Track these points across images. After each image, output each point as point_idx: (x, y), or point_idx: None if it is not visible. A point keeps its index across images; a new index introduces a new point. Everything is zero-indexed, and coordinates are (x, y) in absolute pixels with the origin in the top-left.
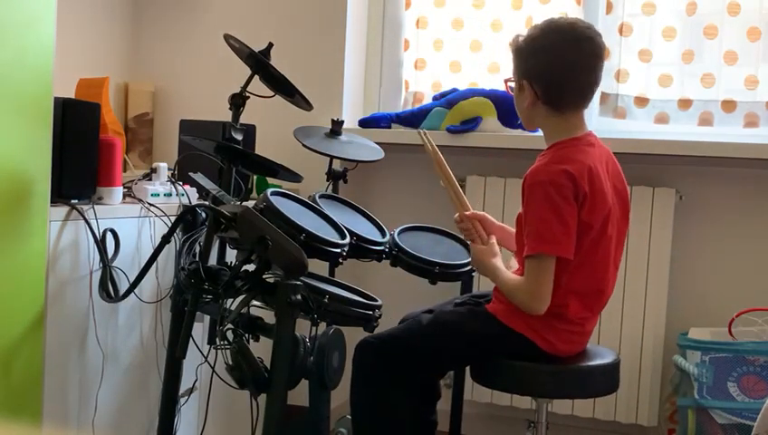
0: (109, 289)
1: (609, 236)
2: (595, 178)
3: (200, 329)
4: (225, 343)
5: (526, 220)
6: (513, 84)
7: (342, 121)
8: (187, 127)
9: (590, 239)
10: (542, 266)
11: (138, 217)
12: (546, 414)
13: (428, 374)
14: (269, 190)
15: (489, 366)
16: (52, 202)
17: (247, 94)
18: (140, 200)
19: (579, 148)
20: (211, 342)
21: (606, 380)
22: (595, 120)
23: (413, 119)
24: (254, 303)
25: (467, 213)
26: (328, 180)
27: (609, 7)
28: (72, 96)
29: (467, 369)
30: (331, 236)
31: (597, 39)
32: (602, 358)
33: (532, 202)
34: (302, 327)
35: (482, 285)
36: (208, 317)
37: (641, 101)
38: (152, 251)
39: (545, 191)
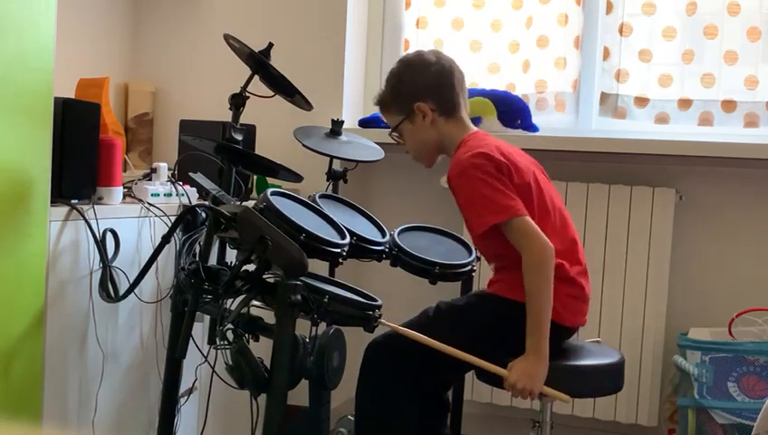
0: (109, 289)
1: (546, 187)
2: (504, 151)
3: (200, 329)
4: (225, 343)
5: (465, 207)
6: (396, 134)
7: (342, 121)
8: (187, 127)
9: (535, 197)
10: (515, 226)
11: (138, 217)
12: (551, 413)
13: (440, 374)
14: (269, 190)
15: (500, 353)
16: (52, 202)
17: (247, 94)
18: (140, 200)
19: (479, 136)
20: (211, 342)
21: (611, 379)
22: (595, 120)
23: None
24: (254, 303)
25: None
26: (328, 180)
27: (610, 7)
28: (72, 96)
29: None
30: (331, 236)
31: (443, 54)
32: (608, 357)
33: (463, 190)
34: (302, 327)
35: (482, 286)
36: (208, 317)
37: (641, 101)
38: (152, 251)
39: (469, 174)
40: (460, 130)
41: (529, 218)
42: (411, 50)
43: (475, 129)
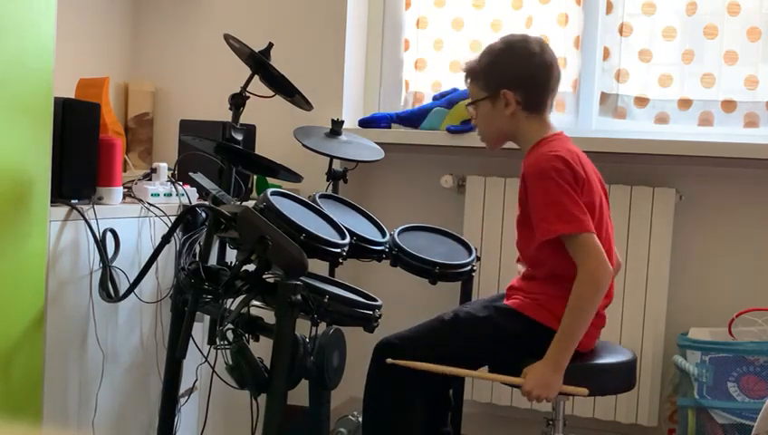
0: (109, 289)
1: (606, 215)
2: (584, 162)
3: (200, 329)
4: (225, 343)
5: (536, 209)
6: (474, 107)
7: (342, 121)
8: (187, 127)
9: (595, 219)
10: (582, 242)
11: (138, 217)
12: (563, 412)
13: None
14: (269, 190)
15: (507, 366)
16: (52, 202)
17: (247, 94)
18: (140, 200)
19: (562, 139)
20: (211, 342)
21: (625, 377)
22: (595, 120)
23: (413, 119)
24: (254, 303)
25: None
26: (328, 180)
27: (610, 7)
28: (72, 96)
29: None
30: (331, 236)
31: (549, 47)
32: (621, 355)
33: (539, 191)
34: (302, 327)
35: (482, 286)
36: (208, 317)
37: (641, 101)
38: (152, 251)
39: (549, 177)
40: (540, 128)
41: (596, 237)
42: (411, 50)
43: (557, 130)
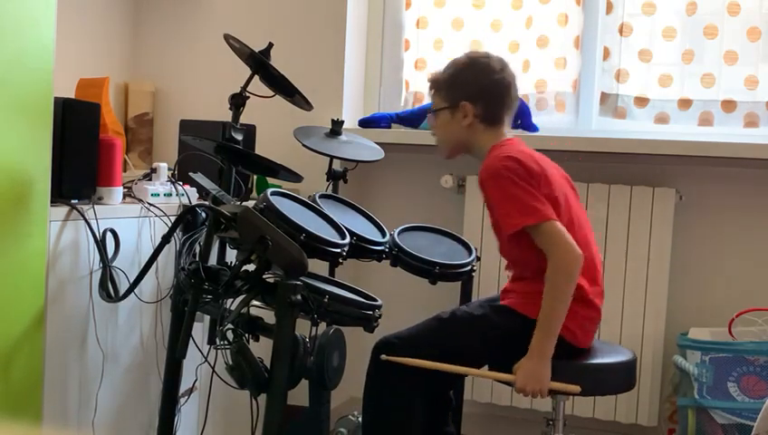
0: (109, 289)
1: (575, 205)
2: (540, 159)
3: (200, 329)
4: (225, 343)
5: (496, 207)
6: (434, 116)
7: (342, 121)
8: (187, 127)
9: (561, 212)
10: (546, 230)
11: (138, 217)
12: (563, 412)
13: (449, 375)
14: (269, 190)
15: (507, 364)
16: (52, 202)
17: (247, 94)
18: (140, 200)
19: (514, 143)
20: (211, 342)
21: (625, 377)
22: (595, 120)
23: (413, 119)
24: (254, 303)
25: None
26: (328, 180)
27: (610, 7)
28: (72, 96)
29: None
30: (331, 236)
31: (509, 67)
32: (621, 355)
33: (494, 191)
34: (302, 327)
35: (482, 286)
36: (208, 317)
37: (641, 101)
38: (152, 251)
39: (502, 175)
40: (495, 138)
41: (560, 224)
42: (411, 50)
43: (510, 136)
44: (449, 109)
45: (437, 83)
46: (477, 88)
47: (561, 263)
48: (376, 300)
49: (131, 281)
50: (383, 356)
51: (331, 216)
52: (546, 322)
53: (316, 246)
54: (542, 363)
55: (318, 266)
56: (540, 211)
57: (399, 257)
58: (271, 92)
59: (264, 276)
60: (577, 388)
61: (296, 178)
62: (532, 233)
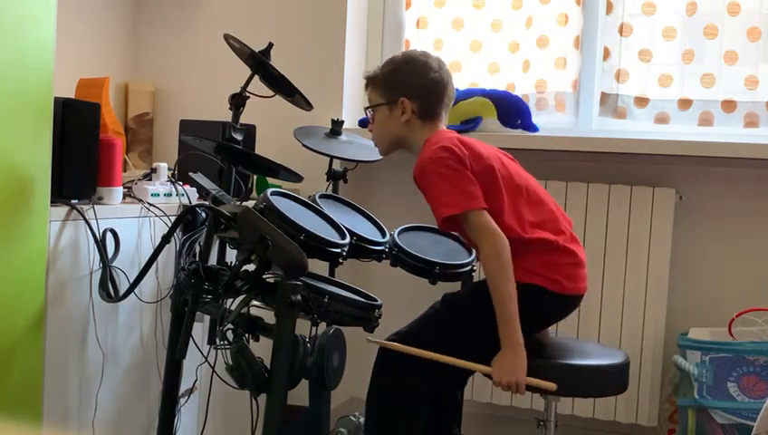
0: (109, 289)
1: (514, 168)
2: (464, 141)
3: (200, 329)
4: (225, 343)
5: (428, 201)
6: (372, 112)
7: (342, 121)
8: (187, 127)
9: (501, 177)
10: (470, 220)
11: (138, 217)
12: (555, 412)
13: (455, 374)
14: (269, 190)
15: None
16: (52, 202)
17: (247, 94)
18: (140, 200)
19: (441, 132)
20: (211, 342)
21: (616, 379)
22: (595, 120)
23: None
24: (254, 303)
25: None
26: (328, 180)
27: (609, 7)
28: (72, 96)
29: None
30: (331, 236)
31: (446, 67)
32: (613, 357)
33: (424, 186)
34: (302, 327)
35: None
36: (208, 317)
37: (641, 101)
38: (152, 251)
39: (428, 170)
40: (429, 133)
41: (485, 213)
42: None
43: (440, 129)
44: (387, 105)
45: (375, 80)
46: (415, 85)
47: (490, 250)
48: (376, 300)
49: (131, 281)
50: (368, 338)
51: (331, 216)
52: (500, 311)
53: (316, 246)
54: (515, 355)
55: (318, 266)
56: (463, 202)
57: (399, 257)
58: (271, 92)
59: (264, 276)
60: (553, 385)
61: (296, 178)
62: (462, 222)
